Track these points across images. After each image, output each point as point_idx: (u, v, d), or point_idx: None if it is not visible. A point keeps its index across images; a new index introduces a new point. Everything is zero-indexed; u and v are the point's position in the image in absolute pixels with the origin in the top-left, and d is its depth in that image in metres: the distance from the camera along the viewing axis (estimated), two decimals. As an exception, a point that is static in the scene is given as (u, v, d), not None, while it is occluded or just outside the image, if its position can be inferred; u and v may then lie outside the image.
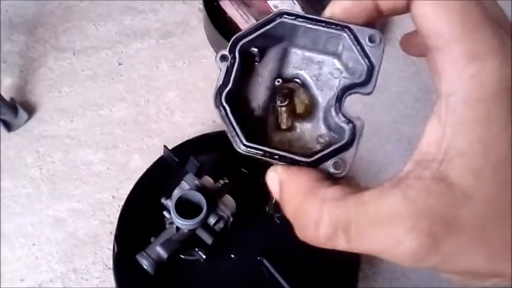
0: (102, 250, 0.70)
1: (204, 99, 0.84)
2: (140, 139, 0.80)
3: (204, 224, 0.61)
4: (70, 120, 0.81)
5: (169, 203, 0.61)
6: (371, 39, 0.24)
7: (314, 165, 0.24)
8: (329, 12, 0.25)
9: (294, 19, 0.25)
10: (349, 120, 0.24)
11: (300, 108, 0.27)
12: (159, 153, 0.73)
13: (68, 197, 0.74)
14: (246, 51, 0.26)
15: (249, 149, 0.24)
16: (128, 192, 0.71)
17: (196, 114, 0.82)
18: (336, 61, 0.27)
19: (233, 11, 0.87)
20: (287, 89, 0.27)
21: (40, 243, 0.70)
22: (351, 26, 0.24)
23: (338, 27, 0.24)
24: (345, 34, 0.24)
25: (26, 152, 0.77)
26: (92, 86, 0.85)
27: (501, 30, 0.20)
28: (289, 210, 0.23)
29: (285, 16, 0.25)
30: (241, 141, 0.24)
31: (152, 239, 0.62)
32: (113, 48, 0.89)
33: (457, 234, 0.19)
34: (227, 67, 0.25)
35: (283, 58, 0.27)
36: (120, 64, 0.87)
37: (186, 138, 0.76)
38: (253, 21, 0.84)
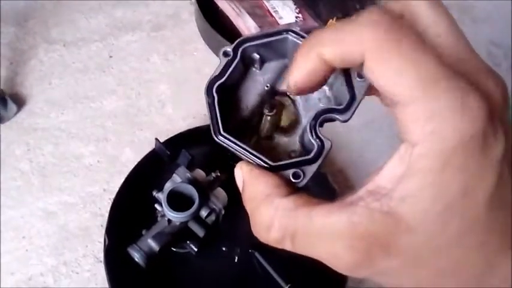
0: (93, 243, 0.70)
1: (196, 92, 0.83)
2: (131, 132, 0.79)
3: (195, 217, 0.62)
4: (60, 112, 0.80)
5: (161, 196, 0.61)
6: (359, 75, 0.26)
7: (275, 170, 0.26)
8: (292, 83, 0.25)
9: (298, 38, 0.27)
10: (319, 139, 0.26)
11: (284, 122, 0.29)
12: (151, 146, 0.73)
13: (58, 190, 0.74)
14: (248, 54, 0.28)
15: (224, 139, 0.26)
16: (119, 185, 0.70)
17: (188, 107, 0.82)
18: (327, 90, 0.28)
19: (225, 4, 0.87)
20: (278, 101, 0.29)
21: (30, 236, 0.70)
22: None
23: None
24: None
25: (15, 144, 0.77)
26: (82, 78, 0.84)
27: (461, 82, 0.21)
28: (248, 209, 0.25)
29: (291, 33, 0.27)
30: (219, 130, 0.26)
31: (144, 232, 0.62)
32: (103, 40, 0.88)
33: (392, 256, 0.21)
34: (226, 62, 0.27)
35: (282, 73, 0.29)
36: (111, 57, 0.87)
37: (177, 131, 0.76)
38: (245, 15, 0.84)
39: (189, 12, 0.92)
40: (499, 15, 0.96)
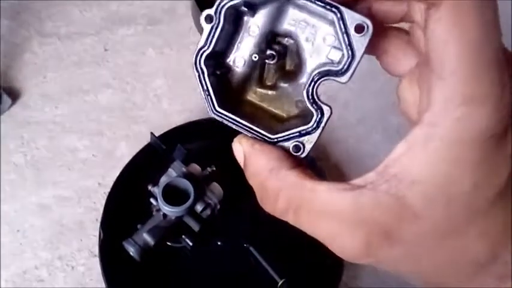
0: (88, 237, 0.70)
1: (192, 87, 0.83)
2: (126, 126, 0.79)
3: (191, 211, 0.62)
4: (55, 106, 0.80)
5: (157, 190, 0.61)
6: (358, 28, 0.23)
7: (275, 143, 0.25)
8: None
9: None
10: (318, 106, 0.24)
11: (288, 67, 0.26)
12: (146, 140, 0.73)
13: (53, 184, 0.73)
14: (233, 11, 0.25)
15: (219, 115, 0.25)
16: (114, 180, 0.70)
17: (184, 101, 0.82)
18: (331, 28, 0.25)
19: (221, -2, 0.86)
20: (280, 45, 0.26)
21: (24, 230, 0.70)
22: (342, 8, 0.23)
23: (328, 6, 0.23)
24: (333, 15, 0.23)
25: (9, 138, 0.76)
26: (77, 71, 0.83)
27: (505, 77, 0.20)
28: (253, 183, 0.25)
29: None
30: (213, 105, 0.25)
31: (139, 226, 0.62)
32: (98, 33, 0.87)
33: (394, 245, 0.21)
34: (210, 28, 0.25)
35: (278, 15, 0.26)
36: (106, 50, 0.86)
37: (173, 126, 0.76)
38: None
39: (186, 7, 0.91)
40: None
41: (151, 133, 0.71)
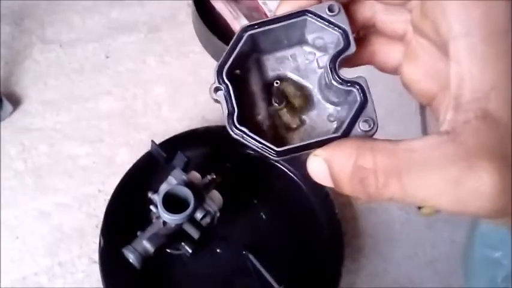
0: (88, 244, 0.70)
1: (192, 95, 0.84)
2: (127, 133, 0.79)
3: (191, 219, 0.62)
4: (56, 113, 0.80)
5: (157, 198, 0.61)
6: (330, 10, 0.26)
7: (346, 135, 0.24)
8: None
9: (259, 27, 0.27)
10: (352, 82, 0.25)
11: (297, 102, 0.28)
12: (146, 148, 0.73)
13: (53, 190, 0.74)
14: (231, 75, 0.27)
15: (285, 154, 0.25)
16: (114, 186, 0.71)
17: (184, 109, 0.82)
18: (305, 47, 0.28)
19: (222, 7, 0.87)
20: (277, 90, 0.28)
21: (24, 237, 0.70)
22: (309, 8, 0.26)
23: (299, 15, 0.26)
24: (307, 17, 0.26)
25: (10, 144, 0.76)
26: (78, 78, 0.84)
27: None
28: (346, 181, 0.23)
29: (249, 29, 0.27)
30: (272, 151, 0.25)
31: (138, 233, 0.62)
32: (100, 41, 0.88)
33: None
34: (224, 95, 0.26)
35: (260, 68, 0.29)
36: (107, 57, 0.87)
37: (173, 134, 0.76)
38: (242, 18, 0.84)
39: (186, 14, 0.92)
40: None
41: (152, 141, 0.71)
